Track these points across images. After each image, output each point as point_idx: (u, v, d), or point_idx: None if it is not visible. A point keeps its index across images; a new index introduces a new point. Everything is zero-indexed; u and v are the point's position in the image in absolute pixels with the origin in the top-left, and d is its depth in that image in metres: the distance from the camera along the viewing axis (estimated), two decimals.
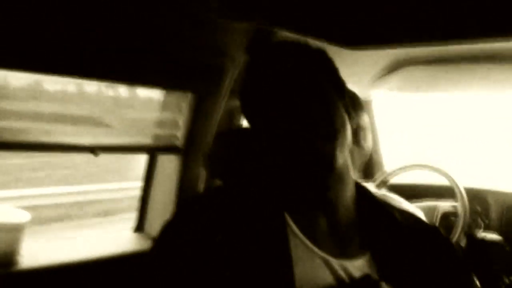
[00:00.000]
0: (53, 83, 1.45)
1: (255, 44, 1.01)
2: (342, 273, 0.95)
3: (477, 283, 1.13)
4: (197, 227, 0.96)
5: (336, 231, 0.99)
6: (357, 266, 0.97)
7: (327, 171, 0.95)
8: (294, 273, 0.91)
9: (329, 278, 0.94)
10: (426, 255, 1.02)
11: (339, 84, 1.01)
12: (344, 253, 0.98)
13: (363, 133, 1.59)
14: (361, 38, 1.59)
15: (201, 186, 1.89)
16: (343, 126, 0.96)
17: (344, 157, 0.98)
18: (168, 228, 1.02)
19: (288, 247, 0.94)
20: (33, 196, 6.52)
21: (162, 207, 1.90)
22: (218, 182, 1.48)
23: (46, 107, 1.47)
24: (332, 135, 0.93)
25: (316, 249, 0.96)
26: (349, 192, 1.02)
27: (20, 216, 1.53)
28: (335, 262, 0.95)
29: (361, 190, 1.07)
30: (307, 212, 0.99)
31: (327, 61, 1.01)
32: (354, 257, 0.98)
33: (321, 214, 0.99)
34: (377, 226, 1.03)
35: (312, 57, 0.99)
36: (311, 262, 0.94)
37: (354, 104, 1.41)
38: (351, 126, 1.00)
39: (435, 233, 1.10)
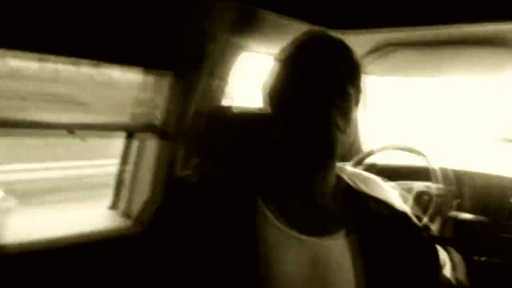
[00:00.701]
0: (30, 61, 1.42)
1: (309, 37, 1.02)
2: (314, 250, 0.97)
3: (445, 272, 1.17)
4: (180, 212, 0.99)
5: (312, 211, 1.02)
6: (331, 244, 0.99)
7: (330, 162, 1.01)
8: (259, 251, 0.95)
9: (298, 254, 0.96)
10: (396, 239, 1.06)
11: (360, 78, 1.04)
12: (319, 232, 1.00)
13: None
14: (347, 21, 1.59)
15: (179, 165, 1.88)
16: (353, 124, 1.01)
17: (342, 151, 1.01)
18: (155, 214, 1.06)
19: (255, 227, 0.97)
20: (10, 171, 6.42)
21: (139, 186, 1.90)
22: (195, 161, 1.48)
23: (23, 86, 1.44)
24: (345, 130, 0.98)
25: (287, 229, 0.98)
26: (332, 180, 1.06)
27: (3, 200, 1.52)
28: (308, 240, 0.98)
29: (339, 178, 1.11)
30: (283, 196, 1.02)
31: (357, 59, 1.04)
32: (329, 235, 1.00)
33: (299, 198, 1.02)
34: (353, 210, 1.06)
35: (351, 64, 1.01)
36: (282, 241, 0.97)
37: None
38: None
39: (405, 218, 1.13)
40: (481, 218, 2.51)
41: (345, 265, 0.98)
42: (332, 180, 1.06)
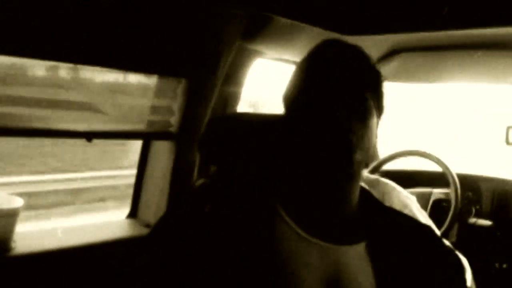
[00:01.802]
0: (47, 69, 1.43)
1: (327, 44, 1.03)
2: (334, 257, 0.96)
3: (468, 280, 1.15)
4: (191, 219, 0.99)
5: (333, 220, 1.00)
6: (350, 253, 0.98)
7: (352, 181, 0.99)
8: (279, 259, 0.94)
9: (317, 262, 0.95)
10: (418, 252, 1.04)
11: (381, 95, 1.03)
12: (339, 240, 0.98)
13: None
14: (357, 26, 1.59)
15: (195, 172, 1.89)
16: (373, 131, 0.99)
17: (362, 159, 0.99)
18: (164, 220, 1.06)
19: (274, 234, 0.96)
20: (28, 183, 6.48)
21: (156, 194, 1.90)
22: (212, 168, 1.48)
23: (40, 93, 1.46)
24: (367, 149, 0.97)
25: (308, 236, 0.97)
26: (357, 192, 1.04)
27: (13, 202, 1.53)
28: (328, 247, 0.97)
29: (364, 191, 1.09)
30: (303, 203, 1.01)
31: (379, 77, 1.03)
32: (349, 244, 0.99)
33: (320, 206, 1.01)
34: (375, 222, 1.05)
35: (370, 71, 1.01)
36: (303, 248, 0.96)
37: None
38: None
39: (428, 231, 1.11)
40: (500, 224, 2.48)
41: (364, 274, 0.97)
42: (355, 190, 1.03)
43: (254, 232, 0.96)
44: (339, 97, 0.94)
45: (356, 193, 1.03)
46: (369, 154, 0.98)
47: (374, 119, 0.99)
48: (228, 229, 0.96)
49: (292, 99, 1.02)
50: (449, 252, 1.11)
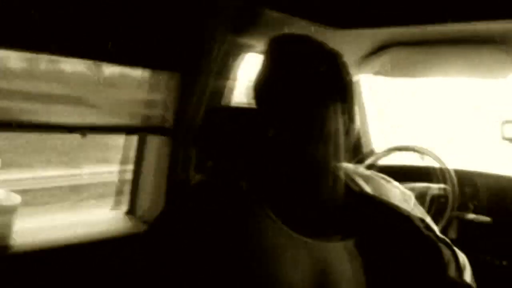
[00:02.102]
0: (40, 63, 1.44)
1: (279, 37, 1.03)
2: (317, 252, 0.97)
3: (466, 276, 1.15)
4: (185, 218, 0.99)
5: (314, 214, 1.01)
6: (337, 248, 0.98)
7: (317, 174, 0.99)
8: (264, 255, 0.94)
9: (304, 259, 0.96)
10: (396, 241, 1.04)
11: (345, 88, 1.03)
12: (321, 234, 0.99)
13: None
14: (347, 20, 1.59)
15: (191, 166, 1.89)
16: (338, 130, 0.99)
17: (338, 158, 1.00)
18: (160, 218, 1.06)
19: (260, 231, 0.96)
20: (25, 180, 6.48)
21: (153, 189, 1.91)
22: (209, 164, 1.48)
23: (34, 87, 1.47)
24: (325, 139, 0.96)
25: (292, 232, 0.97)
26: (338, 186, 1.04)
27: (11, 199, 1.53)
28: (311, 242, 0.97)
29: (348, 182, 1.09)
30: (285, 199, 1.01)
31: (338, 65, 1.03)
32: (330, 237, 0.99)
33: (299, 201, 1.01)
34: (361, 215, 1.05)
35: (325, 60, 1.01)
36: (288, 245, 0.96)
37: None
38: (347, 126, 1.02)
39: (406, 219, 1.11)
40: (498, 220, 2.48)
41: (346, 267, 0.97)
42: (334, 185, 1.03)
43: (240, 228, 0.96)
44: (297, 93, 0.95)
45: (337, 186, 1.03)
46: (332, 145, 0.97)
47: (334, 109, 0.98)
48: (213, 226, 0.96)
49: (257, 94, 1.02)
50: (430, 241, 1.10)
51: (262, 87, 1.00)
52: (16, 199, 1.54)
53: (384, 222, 1.07)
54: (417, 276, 1.02)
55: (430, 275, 1.04)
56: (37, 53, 1.35)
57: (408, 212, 1.13)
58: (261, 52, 1.73)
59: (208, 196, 1.02)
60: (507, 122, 2.38)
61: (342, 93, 1.01)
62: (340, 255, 0.98)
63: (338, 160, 1.03)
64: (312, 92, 0.96)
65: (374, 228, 1.04)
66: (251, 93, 1.04)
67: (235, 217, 0.97)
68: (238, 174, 1.08)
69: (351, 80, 1.04)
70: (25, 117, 1.46)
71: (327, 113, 0.97)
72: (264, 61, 1.03)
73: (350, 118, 1.02)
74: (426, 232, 1.20)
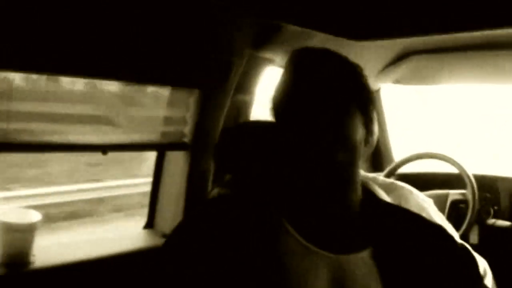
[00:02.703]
0: (62, 83, 1.45)
1: (299, 50, 1.03)
2: (339, 267, 0.96)
3: (486, 282, 1.13)
4: (203, 231, 0.99)
5: (336, 227, 1.00)
6: (357, 261, 0.97)
7: (343, 183, 0.99)
8: (283, 269, 0.94)
9: (324, 273, 0.95)
10: (428, 253, 1.02)
11: (366, 100, 1.03)
12: (343, 249, 0.98)
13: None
14: (365, 31, 1.59)
15: (210, 181, 1.89)
16: (361, 141, 0.99)
17: (358, 168, 1.01)
18: (178, 231, 1.06)
19: (279, 245, 0.96)
20: (41, 195, 6.52)
21: (172, 204, 1.91)
22: (227, 177, 1.48)
23: (55, 108, 1.48)
24: (351, 149, 0.96)
25: (312, 247, 0.97)
26: (357, 196, 1.04)
27: (31, 216, 1.54)
28: (332, 257, 0.96)
29: (367, 191, 1.09)
30: (306, 211, 1.01)
31: (360, 77, 1.03)
32: (354, 252, 0.98)
33: (321, 214, 1.00)
34: (380, 225, 1.04)
35: (348, 72, 1.01)
36: (307, 260, 0.96)
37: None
38: (366, 137, 1.02)
39: (438, 231, 1.10)
40: None
41: (371, 281, 0.96)
42: (353, 193, 1.03)
43: (260, 243, 0.96)
44: (321, 104, 0.94)
45: (356, 196, 1.03)
46: (356, 154, 0.97)
47: (357, 119, 0.98)
48: (237, 242, 0.96)
49: (279, 107, 1.01)
50: (462, 250, 1.09)
51: (285, 99, 0.99)
52: (36, 216, 1.55)
53: (414, 232, 1.05)
54: (442, 281, 1.00)
55: (464, 287, 1.03)
56: (55, 75, 1.36)
57: (439, 224, 1.12)
58: (281, 66, 1.73)
59: (228, 209, 1.02)
60: None
61: (364, 105, 1.01)
62: (360, 267, 0.97)
63: (359, 169, 1.03)
64: (338, 102, 0.96)
65: (402, 241, 1.02)
66: (271, 106, 1.04)
67: (255, 232, 0.97)
68: (257, 188, 1.08)
69: (371, 92, 1.04)
70: (46, 138, 1.46)
71: (352, 123, 0.97)
72: (285, 74, 1.02)
73: (370, 130, 1.02)
74: (460, 242, 1.19)
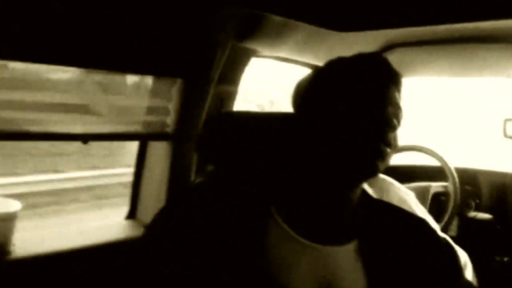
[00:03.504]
0: (41, 72, 1.43)
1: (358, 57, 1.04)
2: (326, 258, 0.97)
3: (466, 274, 1.15)
4: (187, 217, 0.98)
5: (327, 221, 1.01)
6: (343, 253, 0.98)
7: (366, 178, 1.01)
8: (270, 260, 0.94)
9: (311, 264, 0.96)
10: (412, 246, 1.04)
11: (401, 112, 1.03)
12: (331, 240, 0.99)
13: None
14: (350, 22, 1.59)
15: (193, 172, 1.88)
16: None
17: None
18: (159, 217, 1.05)
19: (266, 235, 0.96)
20: (21, 184, 6.46)
21: (154, 194, 1.90)
22: (210, 167, 1.47)
23: (35, 96, 1.46)
24: (385, 154, 0.96)
25: (300, 238, 0.97)
26: (358, 194, 1.05)
27: (11, 205, 1.52)
28: (320, 248, 0.97)
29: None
30: (299, 206, 1.01)
31: (400, 82, 1.03)
32: (341, 243, 0.99)
33: (323, 210, 1.01)
34: (366, 219, 1.05)
35: (393, 77, 1.01)
36: (293, 250, 0.96)
37: None
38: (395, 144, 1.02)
39: (422, 224, 1.12)
40: (500, 217, 2.48)
41: (356, 273, 0.97)
42: (358, 193, 1.04)
43: (247, 233, 0.96)
44: (376, 119, 0.94)
45: (357, 195, 1.04)
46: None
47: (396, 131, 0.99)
48: (221, 230, 0.95)
49: (323, 109, 1.00)
50: (444, 243, 1.10)
51: (335, 103, 0.97)
52: (15, 206, 1.53)
53: (398, 226, 1.07)
54: (433, 281, 1.02)
55: (447, 280, 1.04)
56: (38, 63, 1.33)
57: (423, 218, 1.13)
58: (265, 57, 1.72)
59: (213, 197, 1.01)
60: (509, 120, 2.39)
61: (399, 117, 1.00)
62: (345, 259, 0.98)
63: None
64: (387, 117, 0.95)
65: (387, 234, 1.04)
66: (299, 103, 1.05)
67: (243, 222, 0.97)
68: (244, 177, 1.07)
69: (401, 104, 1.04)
70: (26, 127, 1.44)
71: (394, 135, 0.97)
72: (322, 76, 1.03)
73: (396, 138, 1.01)
74: (442, 235, 1.20)
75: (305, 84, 1.07)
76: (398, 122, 0.97)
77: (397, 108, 0.97)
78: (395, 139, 0.97)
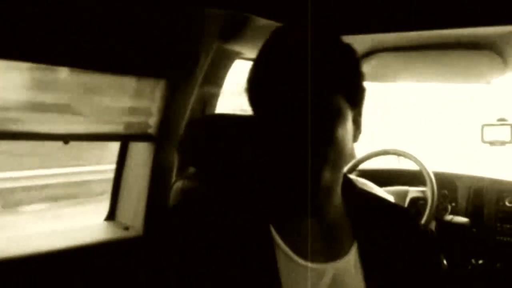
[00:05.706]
0: (23, 70, 1.41)
1: (282, 27, 0.96)
2: (329, 276, 0.93)
3: (444, 262, 1.16)
4: (185, 229, 0.93)
5: (324, 232, 0.96)
6: (344, 264, 0.95)
7: (327, 188, 0.93)
8: (272, 282, 0.89)
9: (316, 285, 0.92)
10: (400, 236, 1.03)
11: (360, 92, 0.96)
12: (332, 253, 0.96)
13: None
14: (334, 27, 1.59)
15: (173, 174, 1.87)
16: (350, 139, 0.93)
17: (338, 168, 0.94)
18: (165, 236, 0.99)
19: (276, 262, 0.91)
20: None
21: (135, 196, 1.88)
22: (191, 169, 1.47)
23: (16, 95, 1.43)
24: (341, 151, 0.90)
25: (299, 260, 0.92)
26: (338, 193, 0.99)
27: None
28: (320, 268, 0.93)
29: (346, 182, 1.03)
30: (292, 218, 0.96)
31: (353, 60, 0.96)
32: (342, 256, 0.96)
33: (308, 218, 0.94)
34: (361, 216, 1.02)
35: (340, 53, 0.93)
36: (294, 273, 0.92)
37: None
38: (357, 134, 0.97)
39: (405, 214, 1.12)
40: (476, 221, 2.52)
41: (356, 282, 0.95)
42: (338, 192, 0.98)
43: (248, 252, 0.91)
44: (303, 96, 0.85)
45: (337, 195, 0.99)
46: (344, 154, 0.90)
47: (347, 118, 0.91)
48: (220, 243, 0.91)
49: (254, 96, 0.94)
50: (428, 232, 1.11)
51: (262, 86, 0.90)
52: None
53: (388, 219, 1.05)
54: (416, 268, 1.01)
55: (429, 267, 1.04)
56: (19, 61, 1.31)
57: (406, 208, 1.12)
58: (249, 59, 1.72)
59: (214, 211, 0.95)
60: (487, 125, 2.43)
61: (356, 97, 0.94)
62: (347, 271, 0.95)
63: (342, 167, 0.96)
64: (331, 102, 0.88)
65: (378, 228, 1.01)
66: (247, 95, 0.95)
67: (246, 245, 0.92)
68: (236, 188, 1.02)
69: (363, 80, 0.96)
70: (5, 126, 1.42)
71: (345, 126, 0.90)
72: (263, 56, 0.93)
73: (359, 125, 0.96)
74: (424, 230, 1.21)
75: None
76: (347, 105, 0.89)
77: (334, 67, 0.88)
78: (345, 131, 0.89)
